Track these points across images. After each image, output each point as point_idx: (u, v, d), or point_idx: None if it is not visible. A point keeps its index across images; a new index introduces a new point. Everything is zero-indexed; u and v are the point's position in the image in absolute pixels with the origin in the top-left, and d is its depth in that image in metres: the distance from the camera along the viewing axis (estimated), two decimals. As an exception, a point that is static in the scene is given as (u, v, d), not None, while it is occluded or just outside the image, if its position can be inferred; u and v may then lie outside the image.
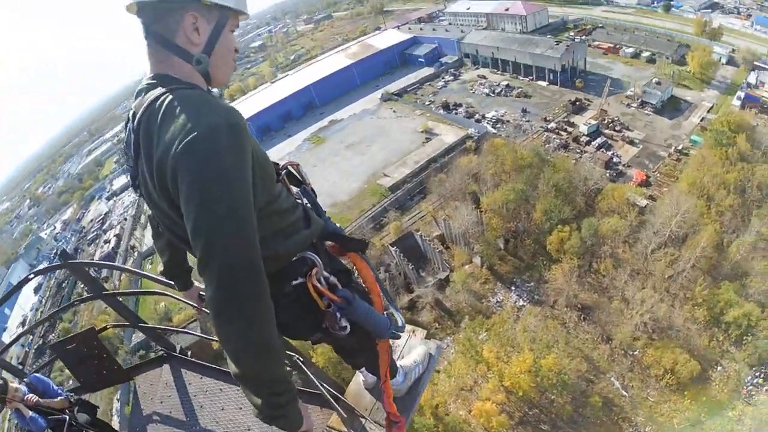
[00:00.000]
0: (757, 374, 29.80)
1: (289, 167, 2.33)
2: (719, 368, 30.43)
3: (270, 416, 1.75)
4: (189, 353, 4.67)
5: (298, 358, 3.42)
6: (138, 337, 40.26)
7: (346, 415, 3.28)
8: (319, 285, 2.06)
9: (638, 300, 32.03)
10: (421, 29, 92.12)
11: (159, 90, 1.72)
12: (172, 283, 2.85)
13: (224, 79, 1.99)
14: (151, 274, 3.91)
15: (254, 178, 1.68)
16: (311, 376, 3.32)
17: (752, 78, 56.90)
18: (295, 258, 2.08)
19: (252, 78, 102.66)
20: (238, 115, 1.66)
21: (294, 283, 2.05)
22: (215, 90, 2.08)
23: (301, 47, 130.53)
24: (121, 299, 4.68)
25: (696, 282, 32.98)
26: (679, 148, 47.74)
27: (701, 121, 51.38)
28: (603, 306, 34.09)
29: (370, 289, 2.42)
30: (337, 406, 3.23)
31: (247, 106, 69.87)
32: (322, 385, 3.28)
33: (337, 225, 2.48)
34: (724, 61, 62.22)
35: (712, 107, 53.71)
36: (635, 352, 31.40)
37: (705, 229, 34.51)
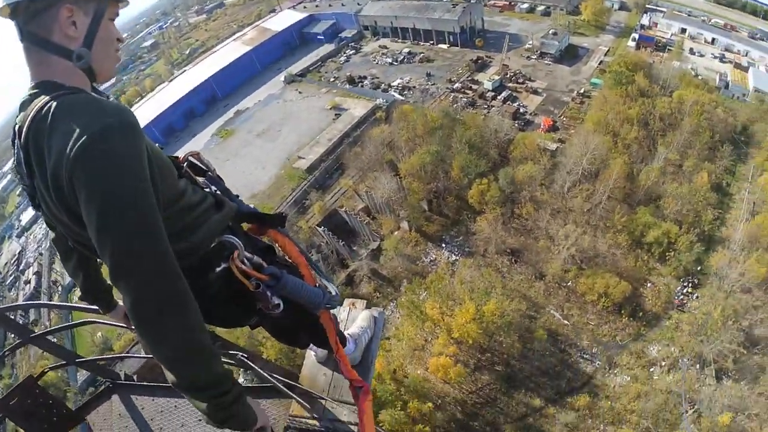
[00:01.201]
0: (686, 284, 32.13)
1: (190, 158, 2.24)
2: (649, 285, 32.43)
3: (219, 419, 1.64)
4: (135, 378, 4.38)
5: (242, 356, 3.27)
6: (83, 374, 37.94)
7: (304, 401, 3.23)
8: (243, 266, 1.96)
9: (562, 236, 33.27)
10: (317, 6, 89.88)
11: (43, 99, 1.55)
12: (95, 307, 2.64)
13: (109, 72, 1.83)
14: (76, 305, 3.91)
15: (153, 176, 1.54)
16: (260, 371, 3.18)
17: (645, 20, 60.98)
18: (213, 244, 1.96)
19: (148, 79, 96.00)
20: (128, 112, 1.53)
21: (218, 269, 1.94)
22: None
23: (196, 40, 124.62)
24: (52, 338, 4.42)
25: (614, 211, 34.64)
26: (581, 91, 49.58)
27: (599, 64, 53.79)
28: (531, 247, 35.08)
29: (297, 262, 2.37)
30: (292, 394, 3.19)
31: (147, 109, 65.76)
32: (272, 376, 3.18)
33: (252, 206, 2.40)
34: (616, 7, 65.87)
35: (608, 51, 56.40)
36: (568, 284, 32.74)
37: (615, 162, 36.18)
